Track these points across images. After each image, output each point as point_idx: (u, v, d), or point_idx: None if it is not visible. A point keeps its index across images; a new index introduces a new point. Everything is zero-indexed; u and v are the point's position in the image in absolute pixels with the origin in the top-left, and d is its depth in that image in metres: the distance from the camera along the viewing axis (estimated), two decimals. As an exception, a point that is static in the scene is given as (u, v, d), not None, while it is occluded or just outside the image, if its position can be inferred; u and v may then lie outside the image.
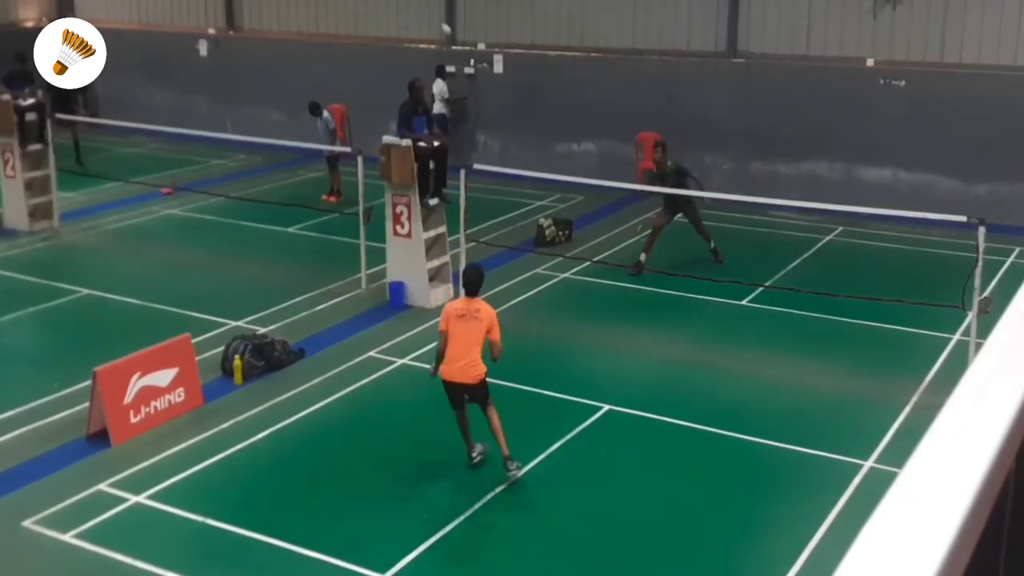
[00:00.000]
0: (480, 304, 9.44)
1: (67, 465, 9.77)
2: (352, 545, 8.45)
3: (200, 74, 25.80)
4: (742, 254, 16.06)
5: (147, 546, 8.40)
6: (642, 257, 15.17)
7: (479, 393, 9.40)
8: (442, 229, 14.31)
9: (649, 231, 15.60)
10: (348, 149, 17.26)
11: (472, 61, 22.33)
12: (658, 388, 11.65)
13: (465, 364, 9.27)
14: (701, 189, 15.54)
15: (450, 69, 22.02)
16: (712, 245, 15.68)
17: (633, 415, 10.82)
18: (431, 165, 13.89)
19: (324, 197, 19.45)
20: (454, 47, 22.77)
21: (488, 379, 9.41)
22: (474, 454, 9.69)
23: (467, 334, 9.25)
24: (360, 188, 14.58)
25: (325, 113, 19.42)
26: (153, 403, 10.52)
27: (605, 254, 16.11)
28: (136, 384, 10.37)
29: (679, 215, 15.52)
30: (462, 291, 9.82)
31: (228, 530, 8.69)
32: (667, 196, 15.28)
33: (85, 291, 14.54)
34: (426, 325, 13.31)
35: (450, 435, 10.59)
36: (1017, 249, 16.19)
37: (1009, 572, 1.53)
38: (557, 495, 9.36)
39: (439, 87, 21.23)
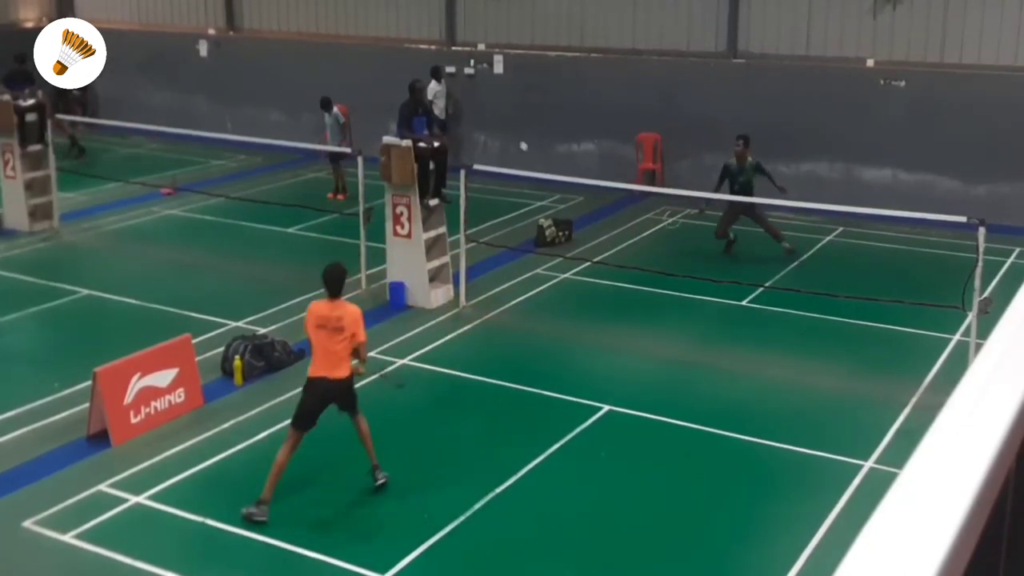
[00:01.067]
0: (343, 309, 8.78)
1: (67, 465, 9.77)
2: (352, 545, 8.46)
3: (200, 74, 25.80)
4: (742, 254, 16.05)
5: (147, 546, 8.40)
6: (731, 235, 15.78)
7: (346, 394, 8.92)
8: (442, 229, 14.31)
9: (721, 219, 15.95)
10: (348, 149, 17.26)
11: (472, 61, 22.33)
12: (658, 388, 11.65)
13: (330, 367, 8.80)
14: (776, 185, 15.63)
15: (450, 69, 22.02)
16: (786, 245, 16.04)
17: (633, 415, 10.82)
18: (431, 166, 13.90)
19: (330, 196, 19.49)
20: (454, 47, 22.78)
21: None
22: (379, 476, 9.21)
23: (330, 345, 8.70)
24: (360, 188, 14.59)
25: (335, 109, 19.49)
26: (153, 403, 10.52)
27: (605, 254, 16.10)
28: (136, 384, 10.37)
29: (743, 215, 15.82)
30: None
31: (228, 530, 8.69)
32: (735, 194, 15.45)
33: (85, 291, 14.54)
34: (426, 325, 13.32)
35: (450, 435, 10.61)
36: (1017, 249, 16.19)
37: (1009, 572, 1.53)
38: (557, 495, 9.36)
39: (435, 87, 21.23)
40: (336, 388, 8.85)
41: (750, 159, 15.53)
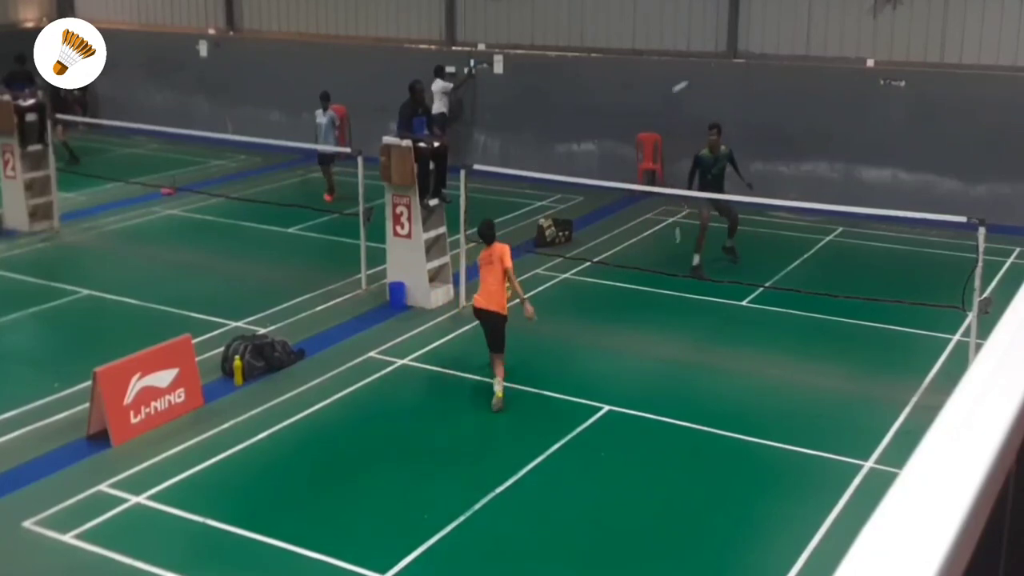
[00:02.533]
0: (494, 248, 11.15)
1: (67, 465, 9.77)
2: (352, 545, 8.45)
3: (200, 74, 25.80)
4: (742, 254, 16.04)
5: (147, 546, 8.40)
6: (696, 260, 15.09)
7: (495, 329, 11.00)
8: (442, 229, 14.32)
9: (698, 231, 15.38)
10: (348, 150, 17.23)
11: (472, 61, 22.33)
12: (658, 388, 11.65)
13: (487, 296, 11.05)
14: (742, 179, 15.45)
15: (450, 69, 22.02)
16: (730, 244, 15.74)
17: (633, 415, 10.82)
18: (431, 166, 13.90)
19: (326, 198, 19.46)
20: (454, 47, 22.78)
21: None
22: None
23: (488, 275, 11.09)
24: (360, 188, 14.59)
25: (330, 110, 19.40)
26: (153, 403, 10.52)
27: (605, 254, 16.10)
28: (136, 385, 10.37)
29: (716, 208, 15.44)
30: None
31: (228, 530, 8.69)
32: (707, 187, 15.11)
33: (85, 291, 14.54)
34: (426, 325, 13.32)
35: (450, 435, 10.61)
36: (1017, 249, 16.19)
37: (1009, 572, 1.53)
38: (557, 495, 9.36)
39: (439, 86, 21.24)
40: (489, 318, 11.05)
41: (723, 148, 15.32)
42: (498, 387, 10.87)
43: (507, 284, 11.04)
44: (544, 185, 19.03)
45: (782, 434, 10.37)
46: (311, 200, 18.06)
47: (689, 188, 15.28)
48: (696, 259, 15.11)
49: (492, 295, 10.98)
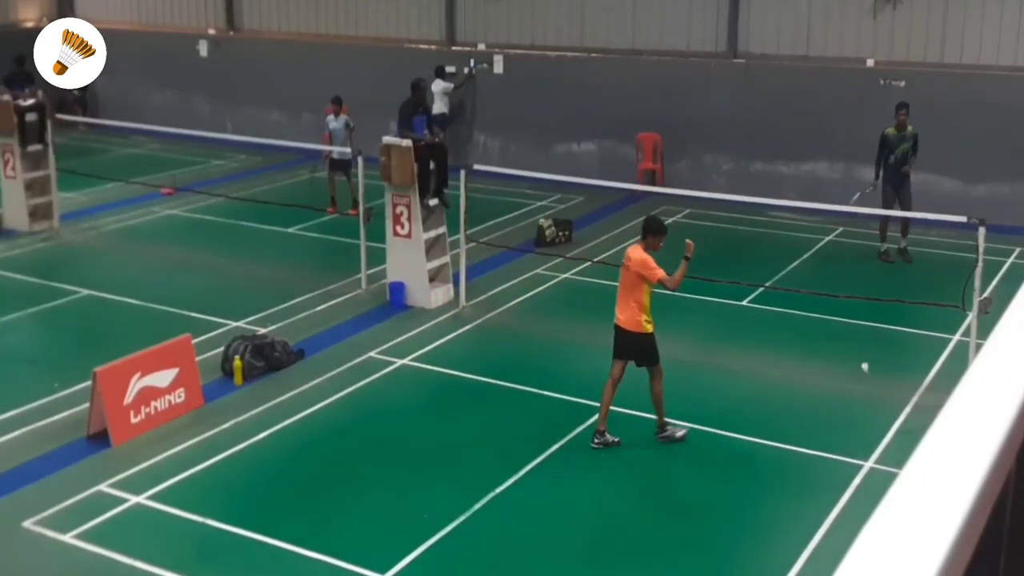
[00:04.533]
0: (630, 252, 9.90)
1: (67, 465, 9.77)
2: (352, 545, 8.45)
3: (200, 74, 25.80)
4: (742, 254, 16.05)
5: (147, 546, 8.40)
6: (883, 247, 15.50)
7: (635, 347, 9.87)
8: (442, 229, 14.32)
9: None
10: (350, 157, 16.91)
11: (472, 61, 22.33)
12: (658, 388, 11.63)
13: (619, 311, 9.91)
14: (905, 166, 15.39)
15: (450, 69, 22.02)
16: (904, 244, 15.82)
17: (633, 415, 10.81)
18: (431, 165, 13.90)
19: (330, 211, 18.02)
20: (454, 47, 22.78)
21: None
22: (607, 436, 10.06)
23: (622, 283, 9.90)
24: (360, 188, 14.59)
25: (343, 114, 18.46)
26: (153, 403, 10.52)
27: (605, 254, 16.08)
28: (136, 384, 10.37)
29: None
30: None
31: (228, 530, 8.69)
32: (889, 169, 15.15)
33: (85, 291, 14.54)
34: (426, 325, 13.32)
35: (450, 435, 10.61)
36: (1017, 249, 16.19)
37: (1009, 573, 1.53)
38: (557, 495, 9.36)
39: (439, 86, 21.22)
40: (625, 337, 9.89)
41: (911, 128, 15.17)
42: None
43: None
44: (544, 185, 19.03)
45: (782, 434, 10.37)
46: (313, 200, 18.01)
47: (877, 170, 15.47)
48: (883, 246, 15.54)
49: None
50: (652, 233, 9.80)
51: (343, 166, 18.17)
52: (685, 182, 18.76)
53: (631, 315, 9.79)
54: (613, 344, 10.03)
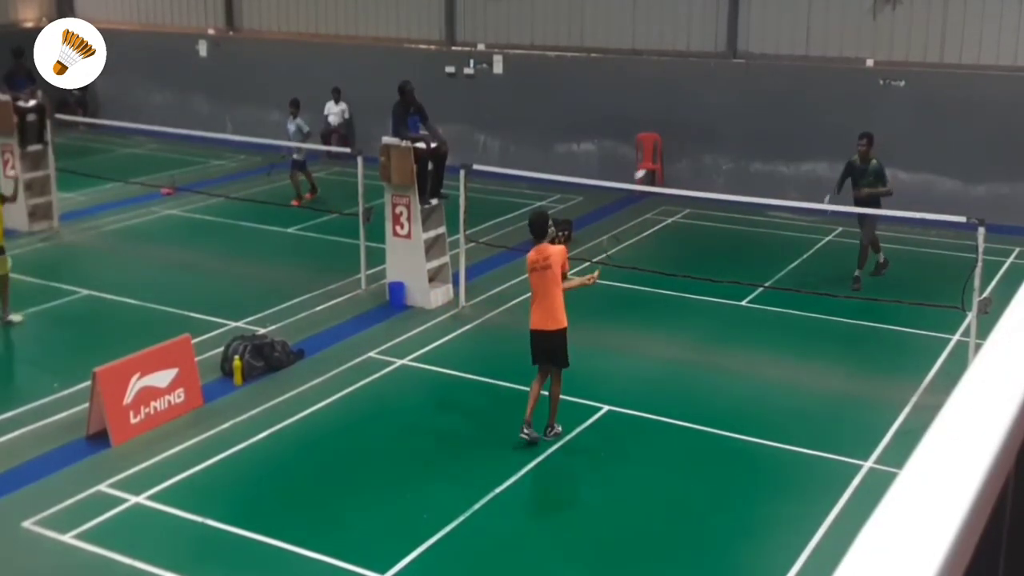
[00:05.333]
0: (544, 250, 9.81)
1: (67, 465, 9.77)
2: (352, 545, 8.45)
3: (200, 74, 25.80)
4: (742, 254, 16.05)
5: (147, 546, 8.40)
6: (857, 272, 14.74)
7: (558, 348, 9.79)
8: (442, 230, 14.31)
9: None
10: (348, 150, 17.19)
11: (472, 61, 22.33)
12: (658, 388, 11.65)
13: (537, 315, 9.82)
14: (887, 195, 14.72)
15: (450, 69, 22.01)
16: (881, 258, 15.22)
17: (633, 415, 10.81)
18: (429, 166, 13.91)
19: (308, 196, 19.53)
20: (454, 47, 22.77)
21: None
22: (526, 431, 9.93)
23: (542, 285, 9.79)
24: (360, 188, 14.59)
25: (299, 118, 19.35)
26: (153, 404, 10.52)
27: (605, 255, 16.07)
28: (136, 385, 10.37)
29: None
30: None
31: (228, 530, 8.69)
32: (858, 201, 14.47)
33: (85, 291, 14.54)
34: (426, 325, 13.32)
35: (450, 435, 10.61)
36: (1017, 249, 16.19)
37: (1009, 572, 1.53)
38: (557, 496, 9.37)
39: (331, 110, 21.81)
40: (549, 339, 9.76)
41: (874, 160, 14.45)
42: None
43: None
44: (544, 185, 19.03)
45: (782, 434, 10.37)
46: (315, 200, 18.05)
47: (838, 188, 14.89)
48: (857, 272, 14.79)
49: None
50: (558, 226, 10.17)
51: (300, 166, 19.50)
52: (685, 182, 18.76)
53: (553, 313, 9.76)
54: (532, 351, 9.95)
